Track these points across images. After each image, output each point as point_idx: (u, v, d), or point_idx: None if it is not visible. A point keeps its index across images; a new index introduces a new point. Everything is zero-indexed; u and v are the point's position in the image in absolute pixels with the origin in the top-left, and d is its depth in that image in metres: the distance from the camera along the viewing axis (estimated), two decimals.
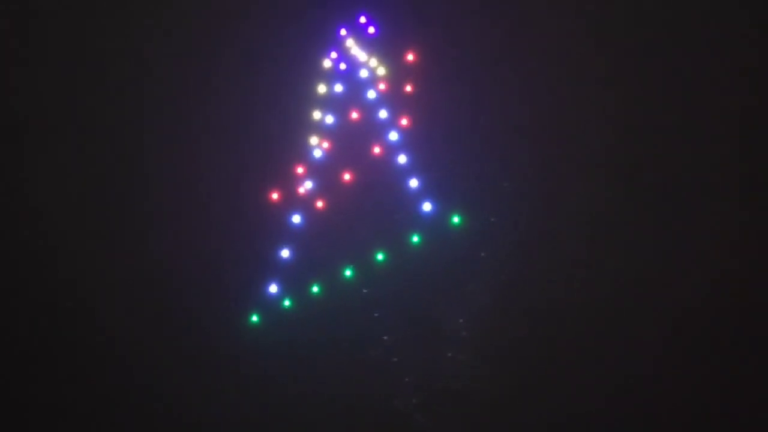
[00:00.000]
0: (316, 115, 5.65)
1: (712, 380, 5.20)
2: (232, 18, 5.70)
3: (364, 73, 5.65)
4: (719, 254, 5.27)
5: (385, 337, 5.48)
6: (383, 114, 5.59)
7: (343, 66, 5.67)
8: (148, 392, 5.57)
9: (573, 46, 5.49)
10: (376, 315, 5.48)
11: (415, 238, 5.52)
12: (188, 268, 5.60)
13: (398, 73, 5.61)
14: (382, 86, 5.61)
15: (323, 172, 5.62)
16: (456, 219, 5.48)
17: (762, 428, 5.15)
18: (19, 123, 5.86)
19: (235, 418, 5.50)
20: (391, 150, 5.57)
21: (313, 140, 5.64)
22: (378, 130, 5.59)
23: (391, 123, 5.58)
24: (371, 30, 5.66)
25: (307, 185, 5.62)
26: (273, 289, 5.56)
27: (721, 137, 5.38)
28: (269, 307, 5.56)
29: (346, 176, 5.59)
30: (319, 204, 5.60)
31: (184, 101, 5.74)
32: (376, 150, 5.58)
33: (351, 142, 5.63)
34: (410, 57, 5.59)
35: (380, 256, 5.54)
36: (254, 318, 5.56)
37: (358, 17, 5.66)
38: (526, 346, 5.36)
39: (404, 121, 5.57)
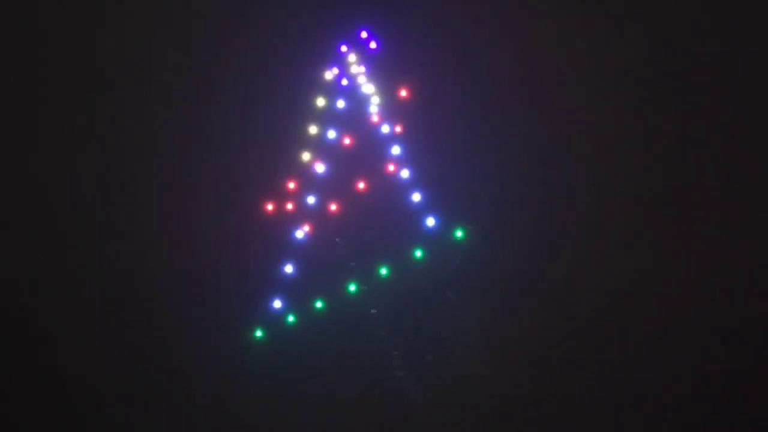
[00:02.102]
0: (321, 130, 5.66)
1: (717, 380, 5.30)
2: (233, 33, 5.72)
3: (366, 89, 5.66)
4: (721, 254, 5.37)
5: (390, 350, 5.52)
6: (385, 129, 5.61)
7: (345, 82, 5.68)
8: (152, 406, 5.59)
9: (578, 73, 5.56)
10: (382, 333, 5.51)
11: (419, 253, 5.55)
12: (192, 283, 5.62)
13: (397, 90, 5.64)
14: (376, 116, 5.63)
15: (326, 187, 5.64)
16: (459, 233, 5.52)
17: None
18: (17, 135, 5.86)
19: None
20: (394, 165, 5.59)
21: (316, 154, 5.66)
22: (380, 146, 5.61)
23: (394, 138, 5.61)
24: (373, 45, 5.67)
25: (310, 200, 5.64)
26: (277, 304, 5.59)
27: (722, 139, 5.45)
28: (273, 322, 5.58)
29: (347, 194, 5.63)
30: (323, 219, 5.63)
31: (185, 117, 5.76)
32: (379, 166, 5.61)
33: (352, 158, 5.65)
34: (403, 92, 5.62)
35: (384, 271, 5.57)
36: (258, 333, 5.59)
37: (359, 32, 5.68)
38: (531, 353, 5.43)
39: (403, 133, 5.61)
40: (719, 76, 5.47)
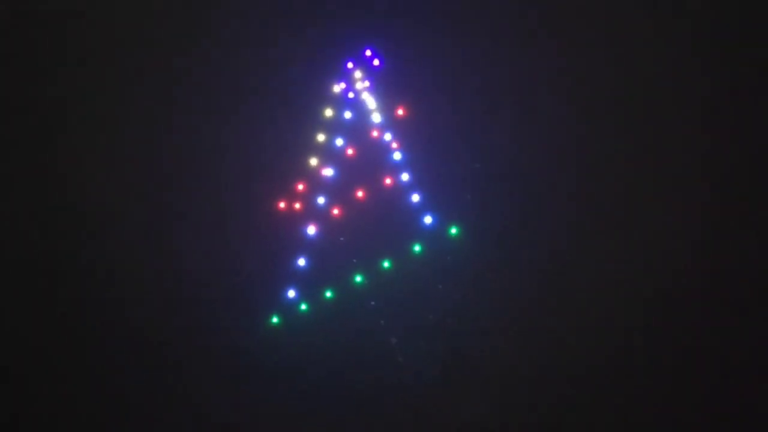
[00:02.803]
0: (329, 137, 6.28)
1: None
2: (254, 52, 6.32)
3: (369, 102, 6.29)
4: (721, 253, 5.84)
5: (390, 336, 6.16)
6: (388, 137, 6.25)
7: (351, 95, 6.30)
8: (179, 386, 6.15)
9: (571, 86, 6.12)
10: (382, 323, 6.14)
11: (417, 248, 6.20)
12: (216, 276, 6.22)
13: (398, 102, 6.25)
14: (378, 126, 6.27)
15: (333, 190, 6.26)
16: (454, 230, 6.17)
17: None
18: (41, 136, 6.38)
19: (257, 408, 6.13)
20: (395, 170, 6.24)
21: (324, 160, 6.27)
22: (382, 151, 6.25)
23: (394, 145, 6.24)
24: (376, 62, 6.29)
25: (320, 200, 6.25)
26: (291, 294, 6.21)
27: (721, 137, 5.92)
28: (288, 310, 6.19)
29: (356, 195, 6.26)
30: (332, 217, 6.25)
31: (211, 125, 6.34)
32: (382, 171, 6.25)
33: (357, 163, 6.28)
34: (403, 105, 6.23)
35: (386, 264, 6.21)
36: (275, 319, 6.20)
37: (364, 51, 6.30)
38: (530, 346, 5.97)
39: (403, 140, 6.25)
40: (718, 79, 5.93)
